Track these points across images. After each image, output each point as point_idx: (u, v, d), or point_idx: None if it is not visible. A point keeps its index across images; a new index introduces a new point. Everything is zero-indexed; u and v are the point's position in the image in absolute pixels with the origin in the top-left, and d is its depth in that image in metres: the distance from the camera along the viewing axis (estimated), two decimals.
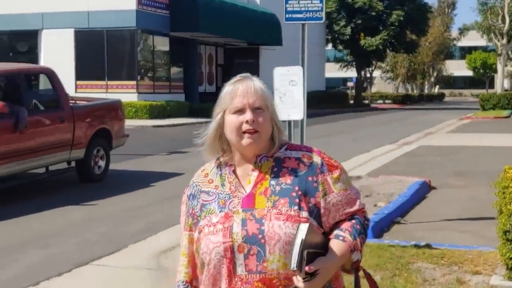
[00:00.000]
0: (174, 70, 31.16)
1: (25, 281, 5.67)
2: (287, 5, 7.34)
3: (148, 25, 28.03)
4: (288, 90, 5.89)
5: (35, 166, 9.69)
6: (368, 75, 60.52)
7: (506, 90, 44.77)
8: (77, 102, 11.18)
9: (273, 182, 2.08)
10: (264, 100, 2.11)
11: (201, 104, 30.23)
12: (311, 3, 7.27)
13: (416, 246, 6.01)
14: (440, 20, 70.98)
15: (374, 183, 10.31)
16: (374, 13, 46.53)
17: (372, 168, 12.64)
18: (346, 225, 2.10)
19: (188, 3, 28.67)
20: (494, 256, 5.59)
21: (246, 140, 2.07)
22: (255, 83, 2.13)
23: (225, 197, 2.10)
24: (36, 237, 7.23)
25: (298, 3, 7.29)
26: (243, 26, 31.94)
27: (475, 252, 5.82)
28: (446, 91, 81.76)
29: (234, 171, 2.13)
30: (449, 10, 76.18)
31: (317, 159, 2.13)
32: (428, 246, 6.02)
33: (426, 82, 76.39)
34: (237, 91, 2.10)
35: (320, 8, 7.25)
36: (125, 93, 27.28)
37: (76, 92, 27.20)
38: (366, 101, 55.80)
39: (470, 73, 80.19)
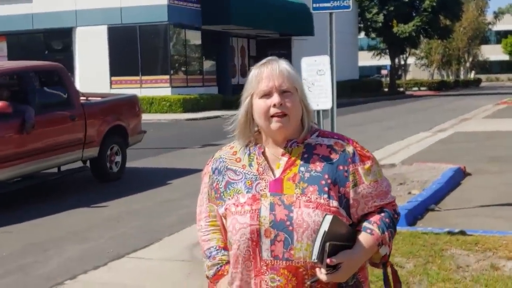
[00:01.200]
0: (207, 63, 31.31)
1: (62, 275, 5.79)
2: None
3: (180, 19, 28.18)
4: (316, 79, 5.89)
5: (45, 166, 9.32)
6: (402, 62, 59.88)
7: None
8: (89, 98, 10.81)
9: (302, 169, 2.03)
10: (291, 82, 2.05)
11: (234, 96, 30.31)
12: None
13: (450, 233, 5.96)
14: (474, 5, 69.80)
15: (408, 170, 10.24)
16: (406, 0, 46.00)
17: (406, 155, 12.55)
18: (374, 217, 2.05)
19: None
20: None
21: (274, 124, 2.03)
22: (281, 64, 2.07)
23: (252, 177, 2.06)
24: (70, 233, 7.36)
25: None
26: (274, 17, 31.89)
27: (509, 238, 5.75)
28: (483, 76, 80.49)
29: (263, 153, 2.09)
30: None
31: (349, 148, 2.07)
32: (462, 232, 5.97)
33: (461, 68, 75.29)
34: (263, 74, 2.05)
35: None
36: (159, 87, 27.56)
37: (111, 88, 27.59)
38: (401, 89, 55.25)
39: (506, 57, 78.86)
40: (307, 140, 2.08)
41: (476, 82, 71.46)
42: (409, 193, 8.37)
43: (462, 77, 74.26)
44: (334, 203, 2.00)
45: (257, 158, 2.09)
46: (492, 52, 78.92)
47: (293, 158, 2.05)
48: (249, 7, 29.86)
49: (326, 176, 2.02)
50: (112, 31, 28.34)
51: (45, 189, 10.08)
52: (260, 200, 2.01)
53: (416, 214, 7.18)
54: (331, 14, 7.22)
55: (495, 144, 13.94)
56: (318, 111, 6.13)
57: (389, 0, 46.17)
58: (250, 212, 2.01)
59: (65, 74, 10.07)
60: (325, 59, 6.00)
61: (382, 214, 2.06)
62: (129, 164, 11.87)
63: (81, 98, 10.31)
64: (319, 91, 5.86)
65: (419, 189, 8.56)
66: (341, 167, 2.03)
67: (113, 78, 28.43)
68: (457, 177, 9.51)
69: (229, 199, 2.08)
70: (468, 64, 74.63)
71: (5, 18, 29.11)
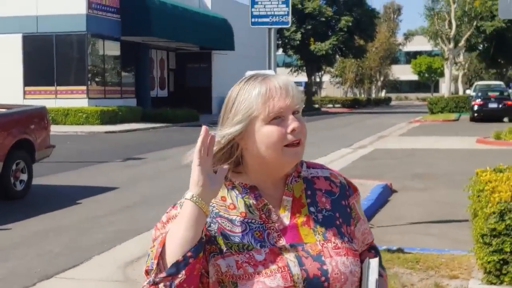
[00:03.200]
0: (125, 74, 30.77)
1: None
2: (253, 9, 7.27)
3: (98, 29, 27.57)
4: None
5: None
6: (318, 79, 61.02)
7: (452, 94, 45.76)
8: None
9: (312, 209, 1.67)
10: (302, 99, 1.65)
11: (153, 109, 29.92)
12: (277, 7, 7.21)
13: (389, 250, 5.99)
14: (386, 26, 72.19)
15: None
16: (323, 19, 47.01)
17: None
18: (370, 255, 1.78)
19: (139, 8, 28.35)
20: (467, 259, 5.60)
21: (291, 156, 1.62)
22: (285, 76, 1.68)
23: (258, 227, 1.63)
24: None
25: (264, 7, 7.22)
26: (195, 31, 31.77)
27: (447, 256, 5.83)
28: (393, 95, 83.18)
29: (260, 195, 1.67)
30: (395, 16, 77.59)
31: (342, 179, 1.76)
32: (400, 250, 6.01)
33: (373, 87, 77.52)
34: (273, 91, 1.60)
35: (286, 13, 7.19)
36: (75, 98, 26.81)
37: (24, 98, 26.60)
38: (317, 105, 56.24)
39: (415, 77, 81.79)
40: (301, 173, 1.72)
41: (387, 101, 73.72)
42: None
43: (373, 95, 76.41)
44: (355, 246, 1.68)
45: (253, 203, 1.65)
46: (402, 72, 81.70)
47: (297, 197, 1.67)
48: (170, 19, 29.61)
49: (337, 215, 1.69)
50: (27, 40, 27.36)
51: None
52: (282, 255, 1.59)
53: None
54: (269, 29, 7.17)
55: (415, 161, 14.32)
56: None
57: (307, 19, 46.99)
58: (279, 271, 1.57)
59: None
60: (270, 73, 5.93)
61: (373, 252, 1.81)
62: (46, 180, 11.40)
63: None
64: None
65: None
66: (343, 202, 1.72)
67: (26, 88, 27.43)
68: (386, 194, 9.66)
69: (237, 254, 1.60)
70: (379, 83, 76.88)
71: None
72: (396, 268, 5.42)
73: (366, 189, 9.69)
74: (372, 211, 8.42)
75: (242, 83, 1.67)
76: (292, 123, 1.60)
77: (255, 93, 1.62)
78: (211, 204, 1.62)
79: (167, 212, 1.64)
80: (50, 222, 8.27)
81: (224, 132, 1.63)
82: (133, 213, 8.72)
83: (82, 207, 9.27)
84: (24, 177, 9.92)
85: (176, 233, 1.51)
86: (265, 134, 1.60)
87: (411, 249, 6.14)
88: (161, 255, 1.52)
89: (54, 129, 14.34)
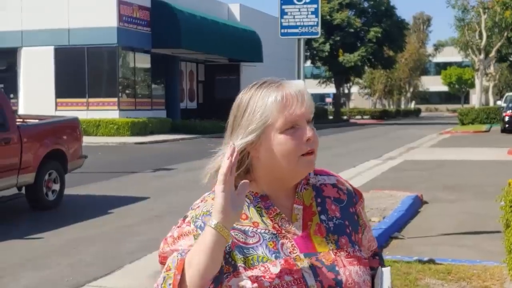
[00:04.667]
0: (156, 86, 31.05)
1: None
2: (282, 20, 7.31)
3: (129, 42, 27.91)
4: None
5: None
6: (346, 91, 60.85)
7: (483, 105, 45.27)
8: (25, 121, 10.25)
9: (323, 217, 1.65)
10: (313, 107, 1.63)
11: (183, 121, 30.15)
12: (307, 17, 7.24)
13: (420, 261, 5.95)
14: (415, 37, 71.82)
15: (365, 198, 10.21)
16: (352, 30, 46.93)
17: (360, 183, 12.60)
18: (375, 264, 1.78)
19: (170, 20, 28.66)
20: (499, 270, 5.54)
21: (305, 165, 1.59)
22: (300, 83, 1.64)
23: (271, 237, 1.59)
24: (25, 260, 7.03)
25: (294, 18, 7.26)
26: (224, 43, 31.98)
27: (479, 267, 5.77)
28: (422, 107, 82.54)
29: (272, 204, 1.64)
30: (424, 27, 77.19)
31: (348, 185, 1.76)
32: (432, 261, 5.96)
33: (402, 98, 77.04)
34: (290, 99, 1.57)
35: (316, 23, 7.23)
36: (106, 110, 27.12)
37: (56, 110, 26.99)
38: (345, 117, 56.09)
39: (445, 88, 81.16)
40: (310, 181, 1.70)
41: (416, 112, 73.19)
42: (369, 220, 8.37)
43: (403, 106, 75.92)
44: (364, 254, 1.69)
45: (265, 211, 1.62)
46: (432, 83, 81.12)
47: (308, 206, 1.65)
48: (199, 31, 29.86)
49: (347, 223, 1.68)
50: (59, 52, 27.79)
51: None
52: (297, 265, 1.57)
53: (381, 242, 7.15)
54: (299, 40, 7.20)
55: (446, 173, 14.18)
56: None
57: (335, 30, 46.96)
58: (295, 283, 1.55)
59: (1, 95, 9.46)
60: (301, 83, 5.96)
61: (378, 258, 1.81)
62: (78, 190, 11.55)
63: (18, 120, 9.74)
64: None
65: (379, 216, 8.55)
66: (351, 210, 1.72)
67: (58, 100, 27.84)
68: (416, 205, 9.59)
69: (252, 268, 1.56)
70: (409, 94, 76.39)
71: None
72: (428, 279, 5.38)
73: (397, 201, 9.64)
74: (402, 222, 8.37)
75: (253, 89, 1.62)
76: (308, 133, 1.57)
77: (270, 100, 1.57)
78: None
79: (178, 227, 1.61)
80: (81, 232, 8.37)
81: (237, 142, 1.57)
82: (164, 223, 8.78)
83: (113, 217, 9.37)
84: (56, 187, 10.04)
85: (198, 263, 1.46)
86: (281, 143, 1.57)
87: (443, 260, 6.09)
88: (180, 284, 1.48)
89: (86, 140, 14.52)
